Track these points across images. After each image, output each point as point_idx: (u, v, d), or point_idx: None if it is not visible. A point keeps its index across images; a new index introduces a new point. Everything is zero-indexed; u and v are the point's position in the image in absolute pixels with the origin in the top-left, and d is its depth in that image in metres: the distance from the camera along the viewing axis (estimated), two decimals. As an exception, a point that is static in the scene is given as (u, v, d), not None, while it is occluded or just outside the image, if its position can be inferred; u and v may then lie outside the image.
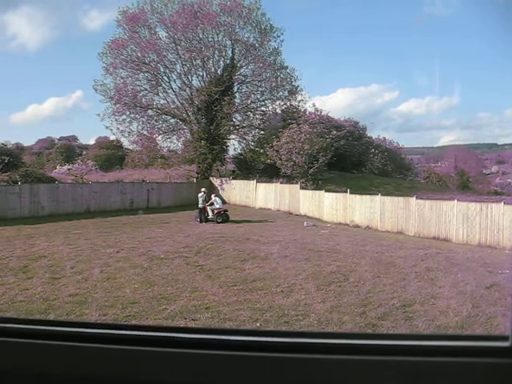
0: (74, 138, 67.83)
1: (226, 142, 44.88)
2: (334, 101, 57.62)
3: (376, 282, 14.90)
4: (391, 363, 1.62)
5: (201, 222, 28.56)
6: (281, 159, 38.16)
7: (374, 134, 54.44)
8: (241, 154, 47.06)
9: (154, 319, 11.31)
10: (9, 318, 2.81)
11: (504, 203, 23.94)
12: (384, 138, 56.04)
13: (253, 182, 39.05)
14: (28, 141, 61.95)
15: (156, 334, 1.91)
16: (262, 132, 45.12)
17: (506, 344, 1.61)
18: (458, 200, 26.32)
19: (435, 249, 21.15)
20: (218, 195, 31.77)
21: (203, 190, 30.71)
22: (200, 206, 29.25)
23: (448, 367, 1.59)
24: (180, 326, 10.64)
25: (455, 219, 25.12)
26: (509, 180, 55.65)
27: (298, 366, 1.66)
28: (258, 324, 11.02)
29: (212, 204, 29.39)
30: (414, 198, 27.91)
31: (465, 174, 53.99)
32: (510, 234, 23.16)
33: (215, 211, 29.12)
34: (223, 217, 29.16)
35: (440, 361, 1.60)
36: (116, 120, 42.49)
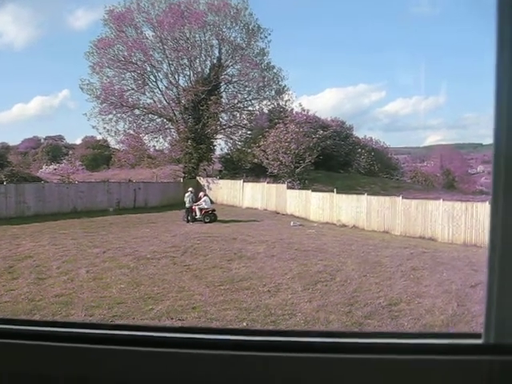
0: (61, 138, 67.18)
1: (212, 142, 44.78)
2: (321, 100, 57.41)
3: (362, 281, 15.00)
4: (371, 361, 1.65)
5: (188, 221, 28.53)
6: (267, 159, 38.18)
7: (360, 133, 54.42)
8: (228, 154, 46.98)
9: (141, 319, 11.32)
10: None
11: (489, 203, 24.10)
12: (371, 137, 56.13)
13: (240, 182, 39.07)
14: (14, 140, 60.93)
15: (142, 334, 1.92)
16: (248, 132, 45.11)
17: (478, 341, 1.66)
18: (443, 199, 26.48)
19: (421, 248, 21.29)
20: (206, 195, 31.70)
21: (190, 189, 30.71)
22: (187, 205, 29.25)
23: (424, 364, 1.63)
24: (167, 325, 10.64)
25: (441, 218, 25.29)
26: (494, 180, 55.91)
27: (284, 364, 1.68)
28: (244, 324, 11.06)
29: (200, 204, 29.41)
30: (400, 197, 28.05)
31: (450, 174, 54.20)
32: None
33: (203, 211, 29.12)
34: (211, 217, 29.15)
35: (415, 359, 1.64)
36: (102, 119, 42.19)
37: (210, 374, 1.73)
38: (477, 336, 1.71)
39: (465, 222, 24.18)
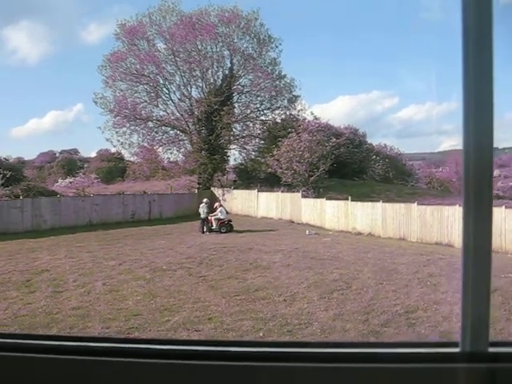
0: (75, 151, 67.81)
1: (226, 152, 44.94)
2: (334, 108, 57.54)
3: (379, 289, 14.90)
4: (351, 370, 1.67)
5: (204, 232, 28.50)
6: (281, 168, 38.12)
7: (374, 140, 54.40)
8: (241, 164, 47.07)
9: (157, 331, 11.32)
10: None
11: (505, 207, 23.91)
12: (385, 144, 56.02)
13: (254, 192, 39.03)
14: (29, 155, 61.66)
15: (155, 347, 1.94)
16: (262, 141, 45.19)
17: (456, 350, 1.70)
18: (459, 205, 26.12)
19: (437, 254, 21.10)
20: (221, 205, 31.61)
21: (205, 200, 30.73)
22: (202, 216, 29.23)
23: (404, 373, 1.66)
24: (184, 338, 10.63)
25: (457, 224, 24.96)
26: (510, 183, 55.43)
27: (289, 374, 1.70)
28: (260, 334, 11.03)
29: (216, 214, 29.42)
30: (416, 203, 27.86)
31: (466, 179, 53.68)
32: (512, 238, 23.17)
33: (219, 221, 29.11)
34: (227, 227, 29.13)
35: (395, 367, 1.66)
36: (116, 132, 42.60)
37: None
38: (454, 345, 1.75)
39: (481, 227, 23.86)
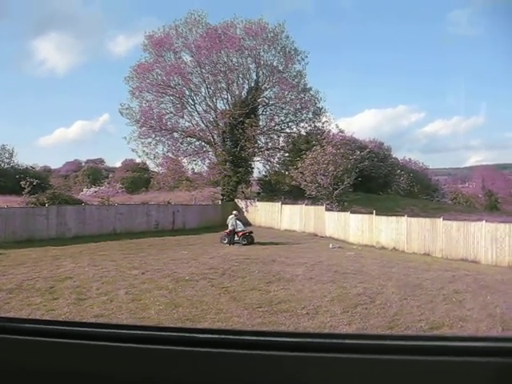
0: (101, 161, 68.77)
1: (250, 164, 45.01)
2: (359, 122, 57.76)
3: (403, 304, 14.66)
4: (402, 362, 1.60)
5: (229, 244, 28.33)
6: (305, 181, 37.99)
7: (399, 154, 54.22)
8: (265, 176, 47.12)
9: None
10: (15, 318, 2.84)
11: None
12: (410, 158, 55.76)
13: (278, 204, 38.95)
14: (55, 164, 62.84)
15: (162, 334, 1.92)
16: (286, 154, 45.19)
17: None
18: (486, 221, 25.79)
19: (463, 270, 20.79)
20: (238, 218, 31.09)
21: (234, 212, 30.60)
22: (230, 228, 29.01)
23: (464, 366, 1.57)
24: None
25: (483, 240, 24.60)
26: None
27: (297, 363, 1.65)
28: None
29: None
30: (441, 219, 27.49)
31: (493, 195, 53.23)
32: (540, 256, 22.72)
33: (240, 233, 28.99)
34: (248, 238, 28.98)
35: (458, 360, 1.58)
36: (142, 143, 43.04)
37: (227, 371, 1.71)
38: None
39: (509, 244, 23.48)
